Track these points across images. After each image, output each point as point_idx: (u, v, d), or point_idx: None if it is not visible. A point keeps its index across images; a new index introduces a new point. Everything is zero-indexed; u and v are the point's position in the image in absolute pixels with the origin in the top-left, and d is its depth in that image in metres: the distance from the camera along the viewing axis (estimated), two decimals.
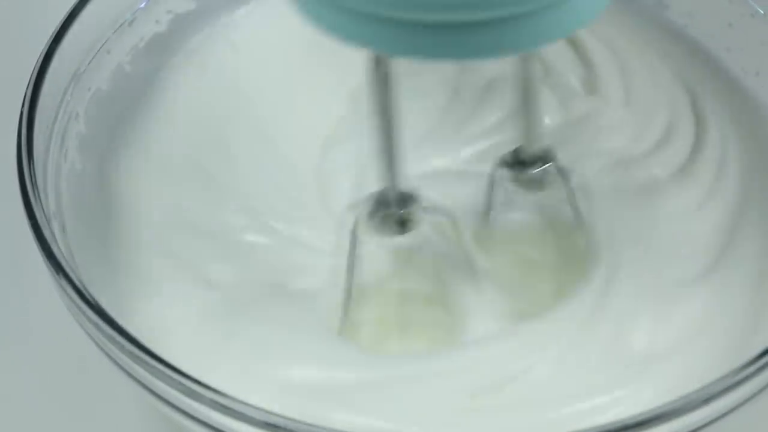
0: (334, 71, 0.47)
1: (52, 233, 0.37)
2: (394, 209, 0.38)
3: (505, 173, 0.41)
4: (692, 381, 0.35)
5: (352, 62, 0.47)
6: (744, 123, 0.46)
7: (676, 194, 0.44)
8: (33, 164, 0.39)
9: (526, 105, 0.39)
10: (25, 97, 0.40)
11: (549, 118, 0.46)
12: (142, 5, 0.47)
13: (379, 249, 0.39)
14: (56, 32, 0.43)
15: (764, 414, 0.41)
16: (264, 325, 0.40)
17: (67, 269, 0.36)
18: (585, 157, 0.45)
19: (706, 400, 0.33)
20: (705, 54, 0.48)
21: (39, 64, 0.41)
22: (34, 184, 0.38)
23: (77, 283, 0.36)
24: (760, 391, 0.34)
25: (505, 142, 0.44)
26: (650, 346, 0.39)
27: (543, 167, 0.40)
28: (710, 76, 0.48)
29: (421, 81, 0.46)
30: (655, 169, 0.45)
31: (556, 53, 0.48)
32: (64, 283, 0.35)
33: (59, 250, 0.36)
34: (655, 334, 0.40)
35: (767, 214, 0.43)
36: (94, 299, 0.35)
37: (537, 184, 0.41)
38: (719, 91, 0.47)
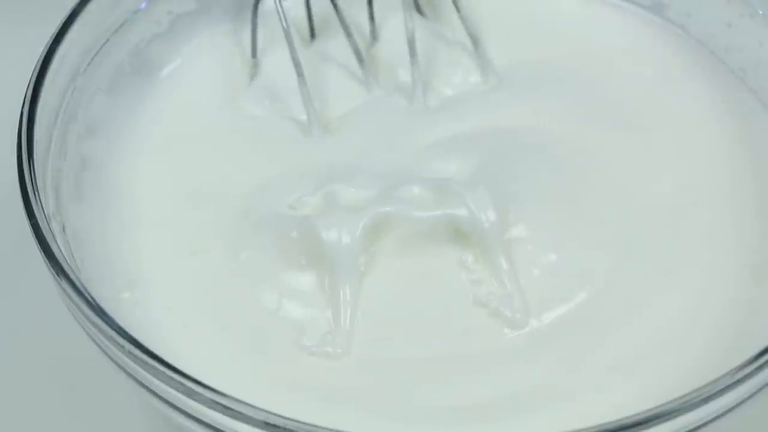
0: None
1: (52, 233, 0.37)
2: None
3: None
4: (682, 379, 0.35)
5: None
6: (743, 123, 0.46)
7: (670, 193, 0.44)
8: (33, 164, 0.39)
9: None
10: (25, 97, 0.41)
11: None
12: (143, 6, 0.47)
13: None
14: (56, 32, 0.43)
15: (764, 414, 0.41)
16: (266, 323, 0.40)
17: (67, 269, 0.36)
18: None
19: (706, 400, 0.33)
20: (704, 54, 0.48)
21: (39, 64, 0.42)
22: (34, 184, 0.38)
23: (77, 283, 0.36)
24: (759, 390, 0.34)
25: None
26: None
27: None
28: (710, 76, 0.48)
29: None
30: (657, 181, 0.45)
31: None
32: (64, 283, 0.36)
33: (59, 250, 0.36)
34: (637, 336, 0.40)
35: (761, 211, 0.43)
36: (94, 299, 0.36)
37: None
38: (719, 91, 0.47)
